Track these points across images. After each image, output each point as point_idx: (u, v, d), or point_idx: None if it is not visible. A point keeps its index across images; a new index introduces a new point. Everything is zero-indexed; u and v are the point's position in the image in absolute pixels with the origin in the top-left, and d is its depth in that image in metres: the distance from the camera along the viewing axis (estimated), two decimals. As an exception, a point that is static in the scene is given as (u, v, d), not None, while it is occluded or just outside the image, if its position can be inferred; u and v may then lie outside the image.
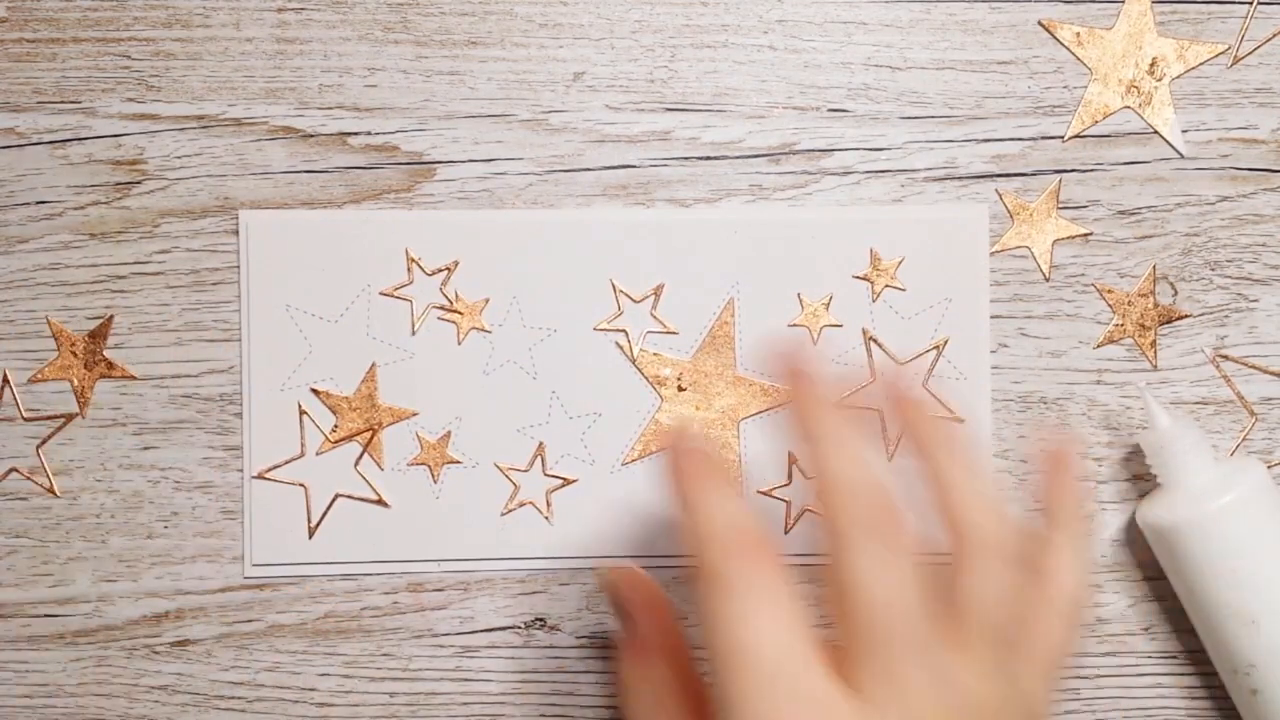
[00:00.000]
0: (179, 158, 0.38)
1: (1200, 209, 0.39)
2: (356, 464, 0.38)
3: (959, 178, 0.39)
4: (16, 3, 0.38)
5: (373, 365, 0.38)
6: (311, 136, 0.38)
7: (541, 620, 0.38)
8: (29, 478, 0.38)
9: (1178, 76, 0.39)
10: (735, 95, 0.39)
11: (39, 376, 0.37)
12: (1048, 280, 0.39)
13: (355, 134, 0.38)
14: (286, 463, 0.38)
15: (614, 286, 0.38)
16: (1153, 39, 0.39)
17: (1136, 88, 0.39)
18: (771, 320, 0.38)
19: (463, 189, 0.38)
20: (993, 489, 0.29)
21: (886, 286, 0.38)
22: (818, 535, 0.38)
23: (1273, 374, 0.39)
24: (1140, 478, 0.39)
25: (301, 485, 0.38)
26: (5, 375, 0.38)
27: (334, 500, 0.38)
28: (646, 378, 0.38)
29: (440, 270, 0.38)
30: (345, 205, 0.38)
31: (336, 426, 0.38)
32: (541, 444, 0.38)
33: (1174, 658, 0.39)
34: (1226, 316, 0.39)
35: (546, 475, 0.38)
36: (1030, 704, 0.28)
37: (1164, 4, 0.39)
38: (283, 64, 0.38)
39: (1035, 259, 0.39)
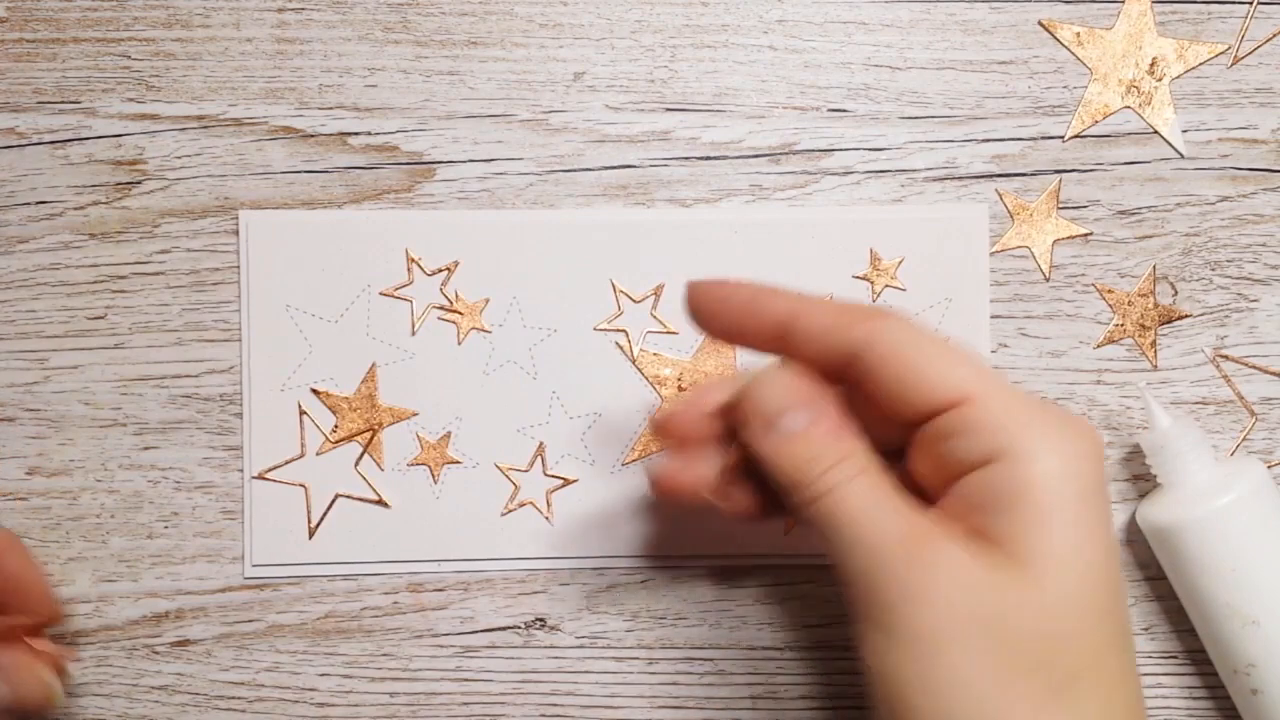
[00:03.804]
0: (179, 158, 0.38)
1: (1200, 209, 0.39)
2: (356, 464, 0.38)
3: (959, 178, 0.39)
4: (16, 3, 0.38)
5: (373, 365, 0.38)
6: (311, 136, 0.38)
7: (541, 620, 0.38)
8: None
9: (1178, 76, 0.39)
10: (735, 95, 0.39)
11: None
12: (1048, 280, 0.39)
13: (355, 134, 0.38)
14: (286, 463, 0.38)
15: (614, 286, 0.38)
16: (1153, 39, 0.39)
17: (1136, 88, 0.39)
18: (771, 320, 0.38)
19: (463, 189, 0.38)
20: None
21: (886, 286, 0.38)
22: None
23: (1273, 374, 0.39)
24: (1140, 478, 0.39)
25: (301, 485, 0.38)
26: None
27: (334, 500, 0.38)
28: (646, 378, 0.38)
29: (440, 270, 0.38)
30: (345, 205, 0.38)
31: (336, 426, 0.38)
32: (541, 444, 0.38)
33: (1174, 658, 0.39)
34: (1226, 316, 0.39)
35: (546, 475, 0.38)
36: None
37: (1164, 4, 0.39)
38: (283, 64, 0.38)
39: (1035, 259, 0.39)
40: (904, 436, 0.29)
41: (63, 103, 0.38)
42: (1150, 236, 0.39)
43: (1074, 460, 0.26)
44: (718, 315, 0.30)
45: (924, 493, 0.29)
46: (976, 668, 0.25)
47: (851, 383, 0.29)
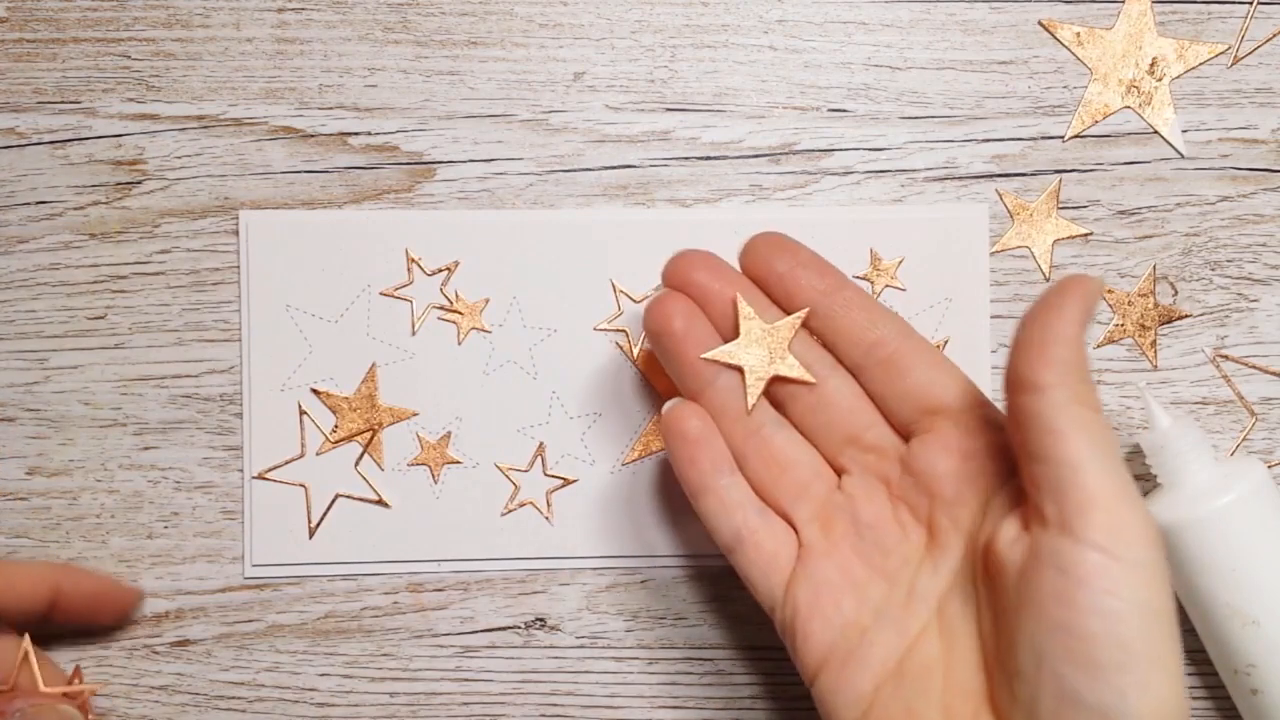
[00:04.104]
0: (179, 158, 0.38)
1: (1200, 209, 0.39)
2: (356, 464, 0.38)
3: (959, 178, 0.39)
4: (16, 3, 0.38)
5: (373, 365, 0.38)
6: (311, 136, 0.38)
7: (541, 620, 0.38)
8: None
9: (1178, 76, 0.39)
10: (735, 95, 0.39)
11: None
12: (1048, 280, 0.39)
13: (355, 134, 0.38)
14: (286, 463, 0.38)
15: (614, 286, 0.38)
16: (1153, 39, 0.39)
17: (1136, 88, 0.39)
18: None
19: (463, 189, 0.38)
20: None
21: (886, 286, 0.38)
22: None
23: (1273, 374, 0.39)
24: (1140, 478, 0.39)
25: (301, 485, 0.38)
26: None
27: (334, 500, 0.38)
28: (646, 378, 0.38)
29: (440, 270, 0.38)
30: (345, 205, 0.38)
31: (336, 426, 0.38)
32: (541, 444, 0.38)
33: (1174, 658, 0.39)
34: (1226, 316, 0.39)
35: (546, 475, 0.38)
36: None
37: (1164, 4, 0.39)
38: (283, 64, 0.38)
39: (1035, 259, 0.39)
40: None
41: (63, 103, 0.38)
42: (1150, 236, 0.39)
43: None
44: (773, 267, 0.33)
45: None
46: (1160, 584, 0.27)
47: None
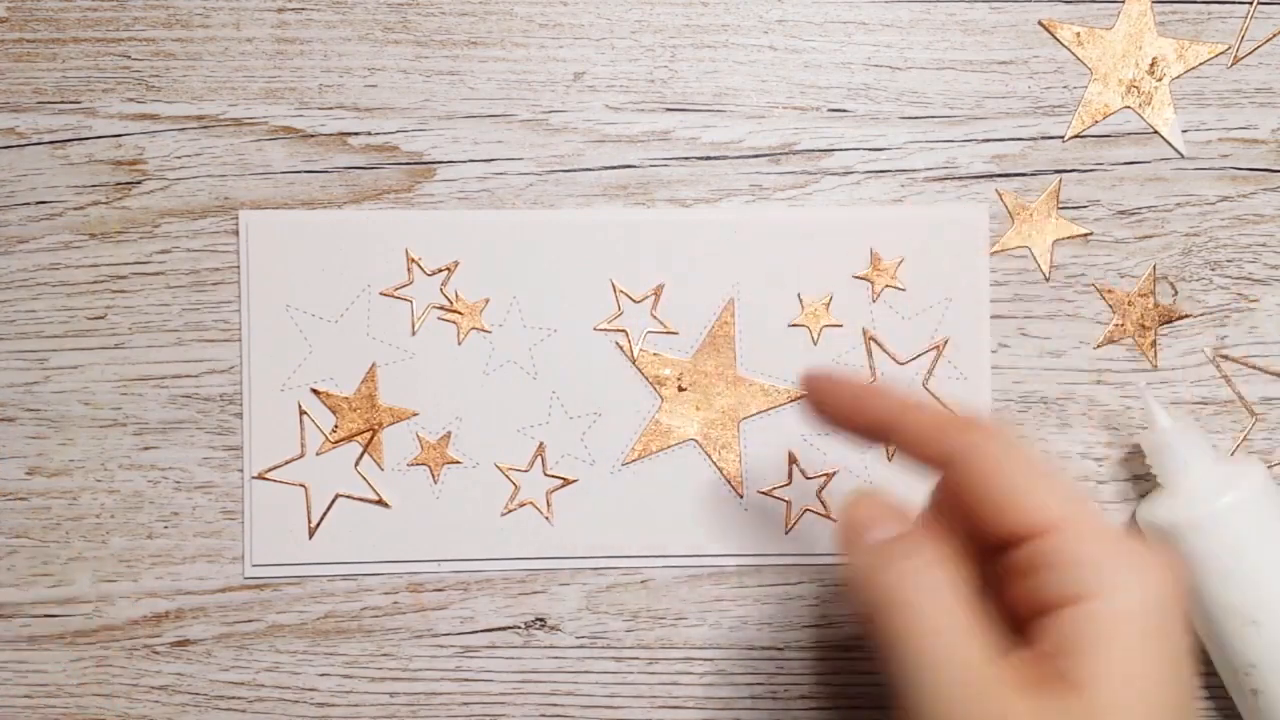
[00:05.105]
0: (179, 158, 0.38)
1: (1200, 209, 0.39)
2: (356, 464, 0.38)
3: (959, 178, 0.39)
4: (16, 3, 0.38)
5: (373, 365, 0.38)
6: (311, 136, 0.38)
7: (541, 620, 0.38)
8: None
9: (1178, 76, 0.39)
10: (735, 95, 0.39)
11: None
12: (1048, 280, 0.39)
13: (355, 134, 0.38)
14: (286, 463, 0.38)
15: (614, 286, 0.38)
16: (1153, 39, 0.39)
17: (1136, 88, 0.39)
18: (771, 320, 0.38)
19: (463, 189, 0.38)
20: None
21: (886, 286, 0.38)
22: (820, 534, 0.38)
23: (1273, 374, 0.39)
24: (1140, 478, 0.39)
25: (301, 485, 0.38)
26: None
27: (334, 500, 0.38)
28: (646, 378, 0.38)
29: (440, 270, 0.38)
30: (345, 205, 0.38)
31: (336, 426, 0.38)
32: (541, 444, 0.38)
33: (1174, 658, 0.39)
34: (1226, 316, 0.39)
35: (546, 475, 0.38)
36: None
37: (1164, 4, 0.39)
38: (283, 64, 0.38)
39: (1035, 259, 0.39)
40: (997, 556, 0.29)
41: (63, 103, 0.38)
42: (1150, 236, 0.39)
43: (1151, 601, 0.26)
44: (825, 407, 0.31)
45: (1017, 620, 0.28)
46: None
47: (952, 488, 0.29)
